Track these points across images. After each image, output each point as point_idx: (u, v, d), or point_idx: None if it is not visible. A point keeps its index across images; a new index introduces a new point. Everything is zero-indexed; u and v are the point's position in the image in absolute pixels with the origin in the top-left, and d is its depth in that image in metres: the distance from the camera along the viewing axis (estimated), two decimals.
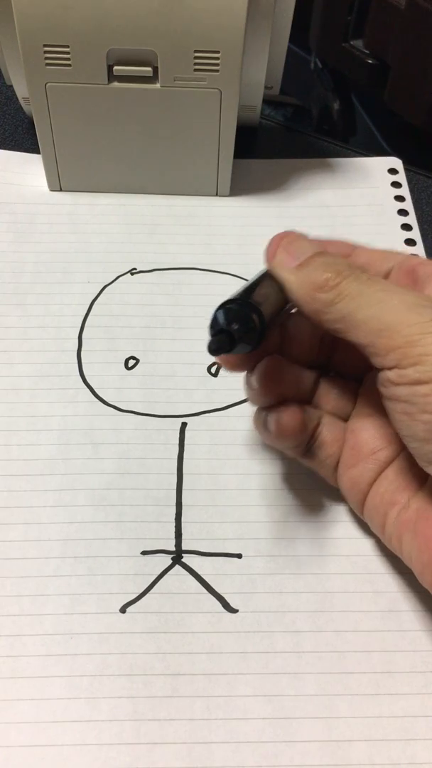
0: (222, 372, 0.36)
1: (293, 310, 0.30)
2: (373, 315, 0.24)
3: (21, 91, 0.43)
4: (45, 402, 0.34)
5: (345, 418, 0.30)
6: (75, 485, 0.32)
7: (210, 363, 0.36)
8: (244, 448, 0.33)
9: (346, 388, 0.30)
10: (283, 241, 0.28)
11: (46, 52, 0.36)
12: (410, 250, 0.41)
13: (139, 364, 0.36)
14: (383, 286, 0.25)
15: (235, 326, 0.24)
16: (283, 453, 0.32)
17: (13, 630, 0.28)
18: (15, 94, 0.44)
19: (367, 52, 0.50)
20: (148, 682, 0.27)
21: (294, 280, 0.26)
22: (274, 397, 0.29)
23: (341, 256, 0.28)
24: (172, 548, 0.30)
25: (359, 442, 0.29)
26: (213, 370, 0.36)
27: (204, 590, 0.29)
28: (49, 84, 0.38)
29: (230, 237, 0.42)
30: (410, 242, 0.42)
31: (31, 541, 0.30)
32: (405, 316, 0.24)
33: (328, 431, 0.30)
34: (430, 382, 0.23)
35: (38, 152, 0.42)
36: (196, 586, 0.29)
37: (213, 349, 0.24)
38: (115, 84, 0.38)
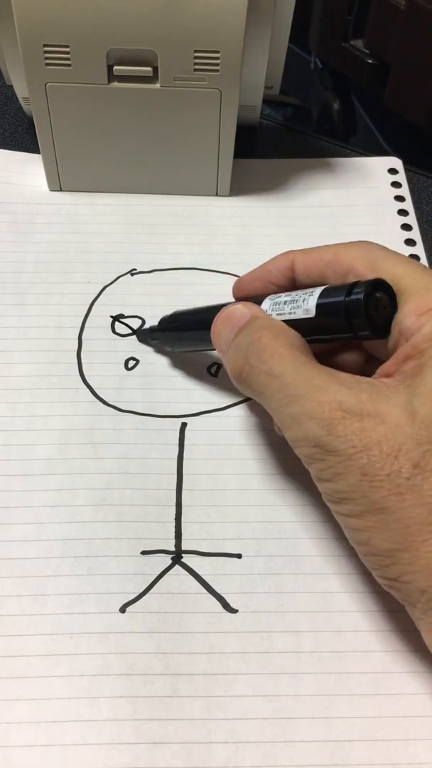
0: (222, 372, 0.36)
1: None
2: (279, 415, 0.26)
3: (21, 91, 0.43)
4: (45, 402, 0.34)
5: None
6: (75, 485, 0.32)
7: (210, 363, 0.36)
8: (244, 448, 0.33)
9: None
10: (218, 320, 0.30)
11: (46, 52, 0.36)
12: (410, 250, 0.41)
13: (139, 365, 0.36)
14: (279, 374, 0.26)
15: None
16: (282, 453, 0.32)
17: (13, 630, 0.28)
18: (15, 94, 0.44)
19: (367, 52, 0.50)
20: (148, 682, 0.27)
21: (225, 363, 0.29)
22: None
23: (277, 279, 0.31)
24: (172, 548, 0.30)
25: None
26: (213, 370, 0.36)
27: (204, 590, 0.29)
28: (49, 84, 0.38)
29: (230, 237, 0.42)
30: (410, 242, 0.42)
31: (31, 541, 0.30)
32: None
33: None
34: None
35: (38, 152, 0.42)
36: (196, 586, 0.29)
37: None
38: (115, 84, 0.38)
